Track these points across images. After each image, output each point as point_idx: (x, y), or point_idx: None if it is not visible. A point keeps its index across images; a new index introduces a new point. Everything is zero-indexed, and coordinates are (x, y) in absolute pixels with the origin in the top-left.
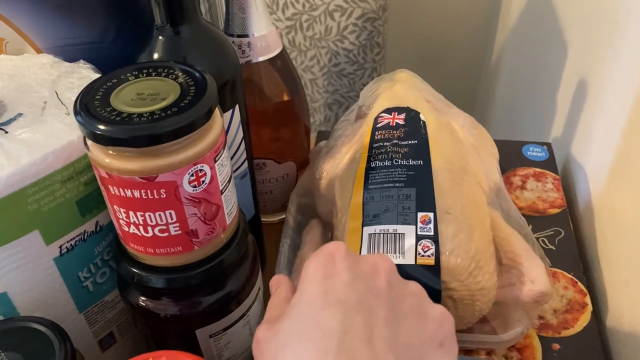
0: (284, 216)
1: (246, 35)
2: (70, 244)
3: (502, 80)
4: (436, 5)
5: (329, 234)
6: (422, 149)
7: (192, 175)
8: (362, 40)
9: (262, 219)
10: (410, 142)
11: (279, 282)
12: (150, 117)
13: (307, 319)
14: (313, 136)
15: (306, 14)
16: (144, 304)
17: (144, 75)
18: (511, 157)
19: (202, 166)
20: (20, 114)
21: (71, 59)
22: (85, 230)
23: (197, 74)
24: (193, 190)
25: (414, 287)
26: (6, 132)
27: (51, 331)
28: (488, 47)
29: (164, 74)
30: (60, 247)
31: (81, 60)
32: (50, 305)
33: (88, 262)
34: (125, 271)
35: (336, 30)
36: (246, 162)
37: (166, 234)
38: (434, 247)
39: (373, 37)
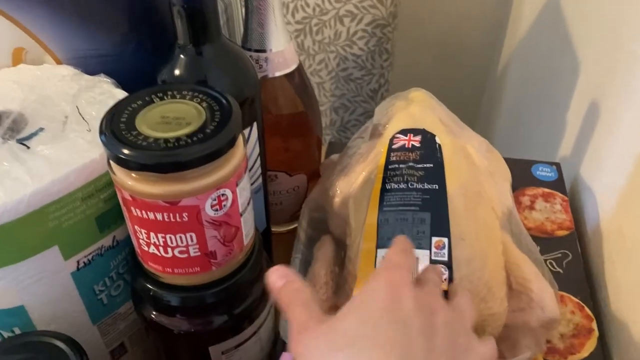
0: (292, 227)
1: (264, 51)
2: (88, 259)
3: (508, 92)
4: (444, 14)
5: (342, 252)
6: (437, 173)
7: (214, 199)
8: (371, 46)
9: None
10: (425, 165)
11: (285, 275)
12: (175, 144)
13: (374, 329)
14: (323, 147)
15: (316, 18)
16: (157, 320)
17: (169, 97)
18: (520, 176)
19: (225, 191)
20: (41, 129)
21: (90, 70)
22: (102, 245)
23: (222, 99)
24: (215, 214)
25: (463, 329)
26: (28, 148)
27: (68, 346)
28: (495, 57)
29: (188, 97)
30: (78, 261)
31: (102, 74)
32: (65, 317)
33: (104, 276)
34: (141, 287)
35: (345, 36)
36: (261, 177)
37: (185, 255)
38: (447, 272)
39: (382, 44)
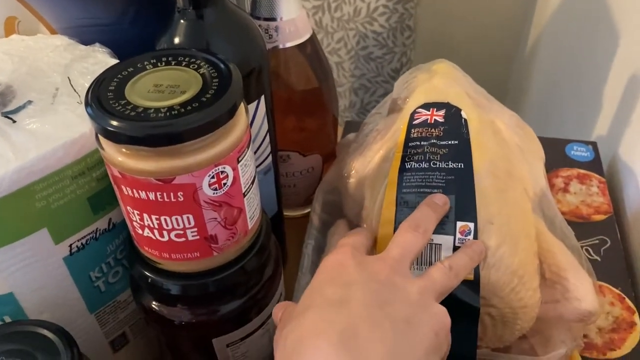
0: (306, 211)
1: (274, 19)
2: (81, 243)
3: (539, 67)
4: None
5: None
6: (463, 151)
7: (212, 177)
8: (393, 23)
9: (284, 214)
10: (450, 142)
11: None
12: (168, 113)
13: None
14: (340, 127)
15: None
16: (157, 310)
17: (163, 63)
18: (553, 156)
19: (224, 167)
20: (30, 102)
21: (87, 41)
22: (97, 228)
23: (221, 64)
24: (213, 194)
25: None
26: (14, 122)
27: (57, 336)
28: (524, 31)
29: (184, 63)
30: (70, 245)
31: (97, 44)
32: (59, 305)
33: (100, 262)
34: (139, 274)
35: (365, 12)
36: (270, 157)
37: (183, 239)
38: None
39: (404, 20)
